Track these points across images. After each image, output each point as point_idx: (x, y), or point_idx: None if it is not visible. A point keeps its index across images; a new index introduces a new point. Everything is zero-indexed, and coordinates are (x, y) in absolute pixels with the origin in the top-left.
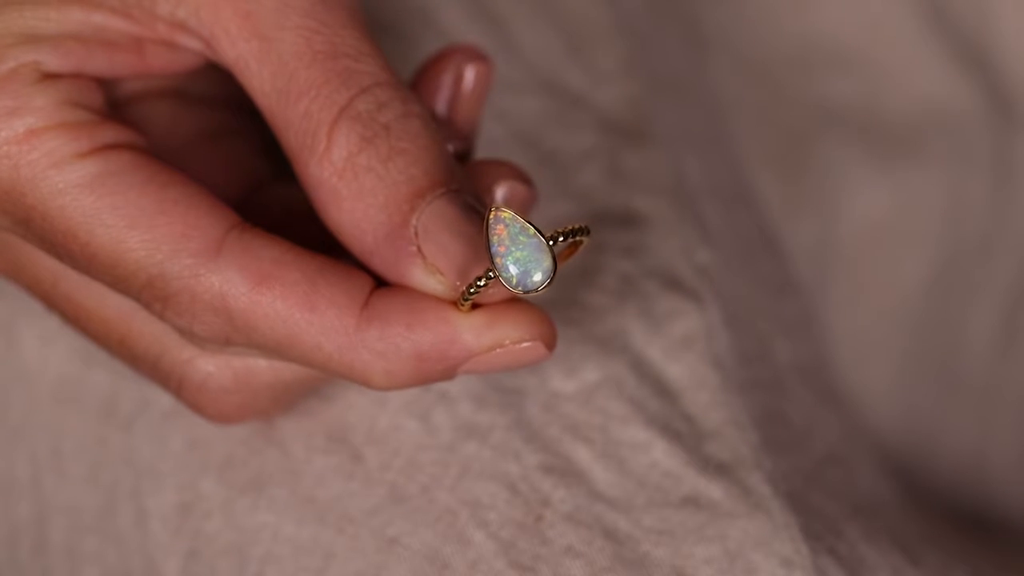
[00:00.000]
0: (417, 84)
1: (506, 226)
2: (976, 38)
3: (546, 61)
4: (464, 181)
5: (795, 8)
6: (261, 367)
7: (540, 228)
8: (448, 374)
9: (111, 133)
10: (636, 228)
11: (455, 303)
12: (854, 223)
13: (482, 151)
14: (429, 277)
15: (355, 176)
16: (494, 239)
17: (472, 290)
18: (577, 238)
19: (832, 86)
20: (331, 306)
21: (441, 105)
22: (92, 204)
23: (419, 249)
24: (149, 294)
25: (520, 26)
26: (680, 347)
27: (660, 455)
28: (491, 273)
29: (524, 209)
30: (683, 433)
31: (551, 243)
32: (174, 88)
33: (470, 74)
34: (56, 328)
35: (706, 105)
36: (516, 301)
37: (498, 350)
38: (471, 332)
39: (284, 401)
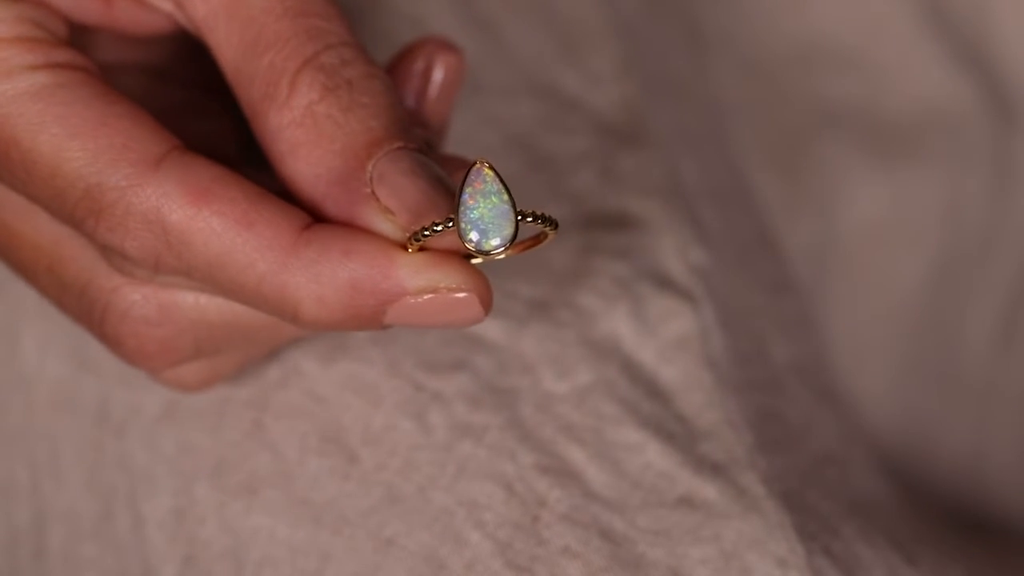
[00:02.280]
0: (389, 74)
1: (484, 182)
2: (976, 38)
3: (539, 65)
4: (423, 145)
5: (795, 8)
6: (187, 302)
7: (515, 200)
8: (377, 315)
9: (66, 55)
10: (630, 230)
11: (402, 245)
12: (853, 223)
13: (477, 156)
14: (380, 217)
15: (314, 123)
16: (468, 190)
17: (426, 232)
18: (545, 227)
19: (832, 86)
20: (269, 225)
21: (410, 96)
22: (38, 112)
23: (372, 193)
24: (84, 207)
25: (512, 30)
26: (674, 348)
27: (654, 456)
28: (450, 223)
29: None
30: (677, 434)
31: (519, 217)
32: (149, 64)
33: (440, 65)
34: (52, 333)
35: (705, 105)
36: (458, 255)
37: (431, 296)
38: (408, 268)
39: (206, 351)
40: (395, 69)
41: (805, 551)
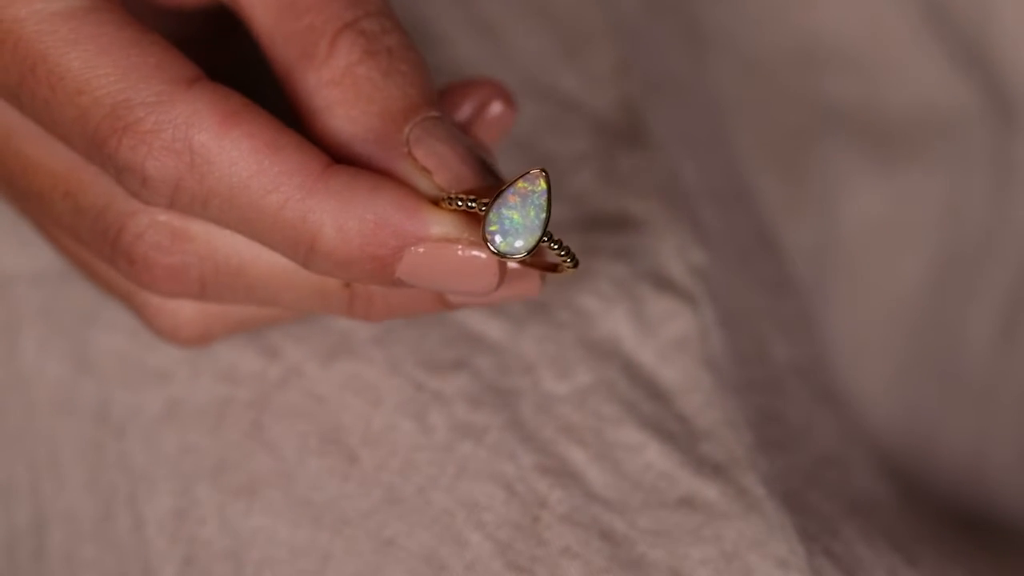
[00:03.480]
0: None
1: (534, 190)
2: (976, 38)
3: (540, 66)
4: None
5: (795, 7)
6: (199, 235)
7: (550, 220)
8: (394, 259)
9: None
10: (629, 230)
11: (433, 201)
12: (854, 223)
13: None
14: (417, 173)
15: (353, 83)
16: (515, 187)
17: (459, 203)
18: (565, 259)
19: (832, 85)
20: (297, 150)
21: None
22: (71, 30)
23: (409, 152)
24: (108, 125)
25: (513, 32)
26: (673, 349)
27: (654, 456)
28: (483, 207)
29: None
30: (677, 434)
31: (544, 237)
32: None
33: (495, 109)
34: (52, 333)
35: (705, 105)
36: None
37: (448, 248)
38: (434, 215)
39: (210, 294)
40: (445, 98)
41: (806, 552)
